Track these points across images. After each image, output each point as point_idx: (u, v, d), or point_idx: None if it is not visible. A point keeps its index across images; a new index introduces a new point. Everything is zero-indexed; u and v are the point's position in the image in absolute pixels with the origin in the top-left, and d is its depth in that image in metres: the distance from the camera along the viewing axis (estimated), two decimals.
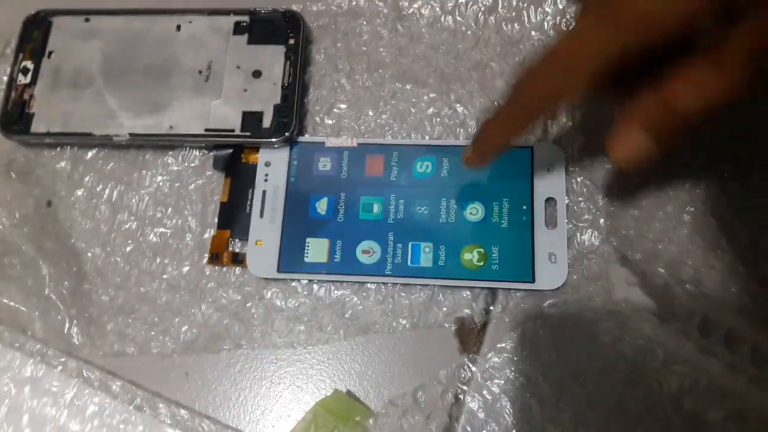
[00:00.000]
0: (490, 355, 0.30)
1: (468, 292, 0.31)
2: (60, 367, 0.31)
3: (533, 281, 0.31)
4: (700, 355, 0.29)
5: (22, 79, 0.34)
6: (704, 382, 0.29)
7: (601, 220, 0.32)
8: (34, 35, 0.35)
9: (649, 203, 0.31)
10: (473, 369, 0.30)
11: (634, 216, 0.31)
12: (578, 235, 0.32)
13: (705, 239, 0.30)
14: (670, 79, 0.23)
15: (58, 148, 0.35)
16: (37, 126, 0.34)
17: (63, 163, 0.34)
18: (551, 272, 0.31)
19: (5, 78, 0.35)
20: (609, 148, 0.25)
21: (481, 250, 0.31)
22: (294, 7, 0.35)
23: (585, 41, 0.23)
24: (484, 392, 0.30)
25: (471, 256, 0.31)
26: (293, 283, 0.32)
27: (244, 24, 0.35)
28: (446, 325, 0.31)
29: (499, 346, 0.30)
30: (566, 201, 0.32)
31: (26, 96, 0.34)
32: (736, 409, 0.28)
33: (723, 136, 0.32)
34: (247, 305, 0.32)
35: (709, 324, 0.29)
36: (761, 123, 0.32)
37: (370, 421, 0.30)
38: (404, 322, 0.31)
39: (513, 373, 0.30)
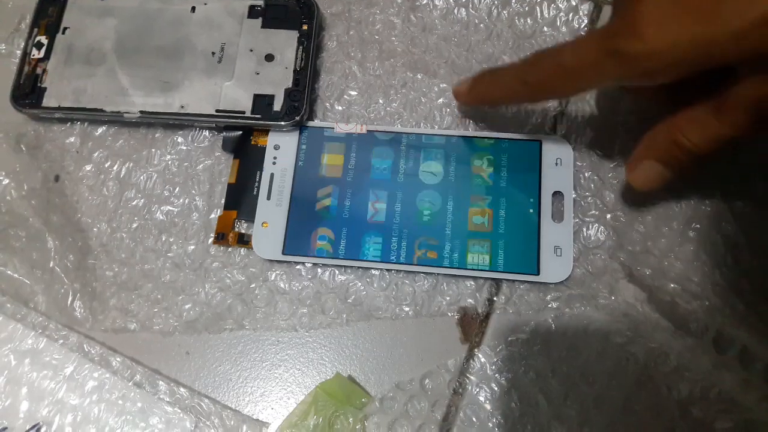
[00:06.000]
0: (500, 347, 0.30)
1: (472, 282, 0.31)
2: (61, 341, 0.31)
3: (538, 274, 0.31)
4: (713, 369, 0.29)
5: (36, 54, 0.35)
6: (715, 391, 0.28)
7: (608, 216, 0.32)
8: (50, 11, 0.35)
9: (654, 219, 0.31)
10: (483, 360, 0.30)
11: (640, 231, 0.31)
12: (584, 229, 0.32)
13: (710, 256, 0.30)
14: (679, 117, 0.25)
15: (69, 123, 0.35)
16: (49, 100, 0.34)
17: (72, 138, 0.35)
18: (556, 266, 0.31)
19: (19, 52, 0.35)
20: (627, 174, 0.28)
21: (487, 242, 0.31)
22: None
23: (587, 63, 0.24)
24: (493, 384, 0.30)
25: (476, 247, 0.31)
26: (297, 266, 0.32)
27: (259, 8, 0.35)
28: (449, 314, 0.31)
29: (510, 339, 0.30)
30: (573, 195, 0.32)
31: (39, 70, 0.34)
32: (745, 421, 0.28)
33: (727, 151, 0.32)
34: (251, 286, 0.32)
35: (723, 340, 0.29)
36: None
37: (377, 403, 0.30)
38: (407, 309, 0.31)
39: (523, 367, 0.30)
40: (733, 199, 0.31)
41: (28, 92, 0.34)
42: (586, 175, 0.32)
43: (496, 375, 0.30)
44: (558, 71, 0.26)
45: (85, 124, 0.35)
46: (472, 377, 0.30)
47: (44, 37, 0.35)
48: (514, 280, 0.31)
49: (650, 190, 0.28)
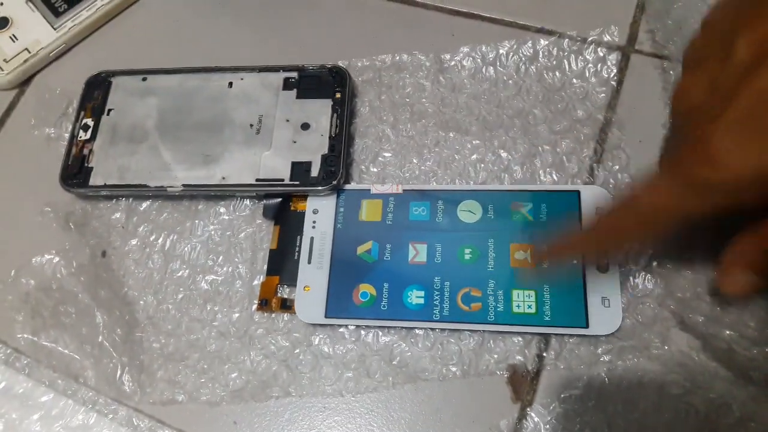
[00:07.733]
0: (553, 405, 0.29)
1: (519, 338, 0.31)
2: (111, 416, 0.31)
3: (587, 326, 0.30)
4: None
5: (83, 135, 0.36)
6: None
7: (654, 263, 0.31)
8: (95, 94, 0.38)
9: (701, 263, 0.31)
10: (536, 419, 0.29)
11: (688, 277, 0.31)
12: (631, 278, 0.31)
13: (765, 298, 0.29)
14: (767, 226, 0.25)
15: (114, 200, 0.36)
16: (95, 179, 0.35)
17: (118, 214, 0.36)
18: (605, 317, 0.30)
19: (67, 135, 0.37)
20: (719, 283, 0.27)
21: (532, 294, 0.31)
22: (340, 63, 0.37)
23: (663, 200, 0.23)
24: None
25: (521, 301, 0.31)
26: (341, 329, 0.32)
27: (293, 80, 0.36)
28: (498, 372, 0.30)
29: (563, 395, 0.29)
30: None
31: (86, 151, 0.36)
32: None
33: None
34: (295, 352, 0.32)
35: None
36: None
37: None
38: (454, 369, 0.31)
39: (578, 425, 0.29)
40: None
41: (75, 173, 0.35)
42: None
43: None
44: (639, 221, 0.25)
45: (130, 199, 0.36)
46: None
47: (90, 119, 0.37)
48: (563, 334, 0.30)
49: (746, 297, 0.28)
